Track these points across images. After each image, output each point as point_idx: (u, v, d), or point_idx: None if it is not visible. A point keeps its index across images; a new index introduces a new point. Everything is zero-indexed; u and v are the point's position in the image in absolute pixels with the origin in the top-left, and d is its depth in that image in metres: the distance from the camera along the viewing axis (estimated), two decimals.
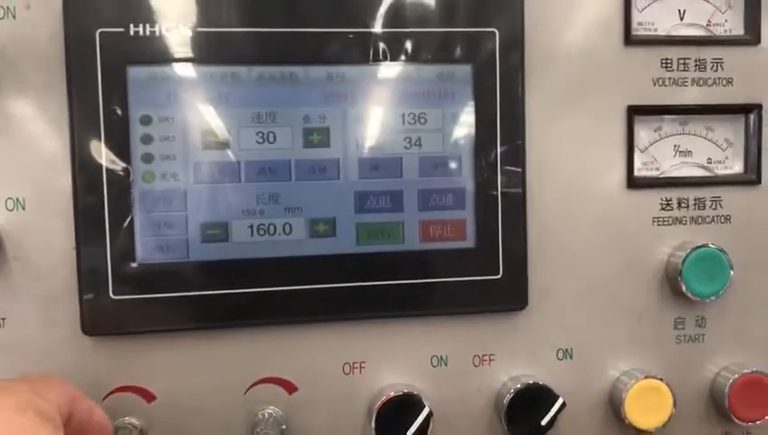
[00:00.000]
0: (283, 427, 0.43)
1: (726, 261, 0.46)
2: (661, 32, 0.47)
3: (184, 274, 0.42)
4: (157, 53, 0.41)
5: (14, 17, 0.41)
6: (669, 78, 0.47)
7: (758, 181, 0.48)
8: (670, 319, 0.48)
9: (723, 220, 0.48)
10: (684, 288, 0.46)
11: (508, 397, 0.45)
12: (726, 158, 0.48)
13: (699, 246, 0.46)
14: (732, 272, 0.46)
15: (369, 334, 0.45)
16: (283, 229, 0.43)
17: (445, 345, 0.46)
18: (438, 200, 0.45)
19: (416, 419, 0.43)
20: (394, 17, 0.43)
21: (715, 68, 0.47)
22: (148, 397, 0.43)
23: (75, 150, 0.41)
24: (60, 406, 0.33)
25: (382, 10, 0.43)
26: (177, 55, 0.42)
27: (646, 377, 0.46)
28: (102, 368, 0.43)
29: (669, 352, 0.48)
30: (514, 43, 0.44)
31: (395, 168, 0.44)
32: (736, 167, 0.48)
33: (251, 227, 0.43)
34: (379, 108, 0.44)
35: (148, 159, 0.41)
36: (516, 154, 0.45)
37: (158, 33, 0.41)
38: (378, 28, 0.43)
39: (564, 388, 0.45)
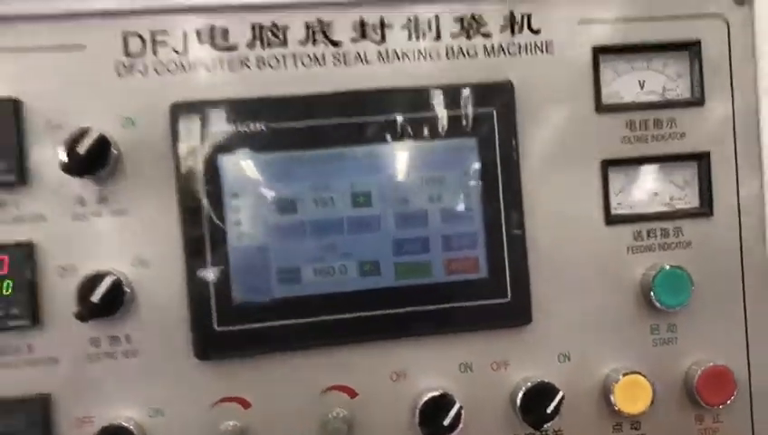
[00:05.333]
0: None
1: (688, 278, 0.58)
2: (626, 99, 0.60)
3: (269, 308, 0.56)
4: (240, 144, 0.55)
5: (133, 125, 0.56)
6: (633, 136, 0.60)
7: (711, 214, 0.60)
8: (647, 326, 0.60)
9: (684, 246, 0.60)
10: (655, 301, 0.59)
11: (521, 393, 0.57)
12: (685, 195, 0.61)
13: (665, 267, 0.59)
14: (693, 286, 0.58)
15: (409, 349, 0.58)
16: (340, 270, 0.57)
17: (469, 355, 0.59)
18: (457, 242, 0.58)
19: (449, 412, 0.55)
20: (414, 106, 0.57)
21: (670, 126, 0.60)
22: (246, 404, 0.57)
23: (184, 220, 0.55)
24: None
25: (405, 101, 0.57)
26: (254, 145, 0.56)
27: (630, 373, 0.58)
28: (211, 383, 0.56)
29: (648, 352, 0.60)
30: (508, 118, 0.58)
31: (422, 219, 0.57)
32: (693, 202, 0.61)
33: (315, 269, 0.56)
34: (407, 174, 0.57)
35: (238, 223, 0.55)
36: (515, 203, 0.58)
37: (240, 130, 0.56)
38: (402, 114, 0.57)
39: (565, 384, 0.57)
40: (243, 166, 0.56)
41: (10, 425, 0.55)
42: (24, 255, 0.54)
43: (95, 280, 0.53)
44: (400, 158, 0.57)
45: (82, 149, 0.52)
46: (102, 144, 0.53)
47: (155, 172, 0.56)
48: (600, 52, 0.59)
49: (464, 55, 0.58)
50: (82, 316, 0.53)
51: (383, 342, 0.58)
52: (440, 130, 0.57)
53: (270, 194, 0.56)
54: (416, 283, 0.57)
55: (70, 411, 0.55)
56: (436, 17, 0.57)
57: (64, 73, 0.55)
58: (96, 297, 0.52)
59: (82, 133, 0.53)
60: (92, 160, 0.53)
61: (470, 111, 0.57)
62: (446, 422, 0.55)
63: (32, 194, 0.55)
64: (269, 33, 0.56)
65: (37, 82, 0.55)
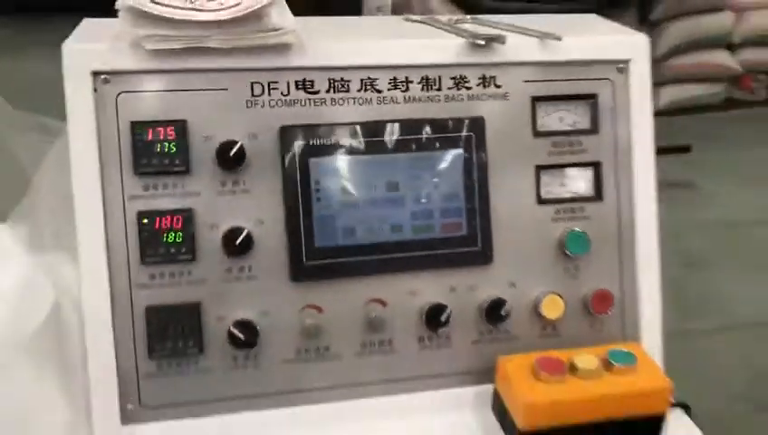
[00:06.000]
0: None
1: (587, 238, 0.97)
2: (552, 129, 0.98)
3: (336, 251, 0.91)
4: (321, 151, 0.91)
5: (256, 138, 0.91)
6: (557, 151, 0.98)
7: (601, 199, 0.98)
8: (562, 266, 0.97)
9: (585, 218, 0.98)
10: (567, 251, 0.97)
11: (486, 305, 0.95)
12: (586, 187, 0.99)
13: (574, 230, 0.97)
14: (590, 243, 0.97)
15: (419, 278, 0.94)
16: (379, 229, 0.93)
17: (454, 282, 0.94)
18: (450, 216, 0.95)
19: (444, 314, 0.93)
20: (426, 130, 0.93)
21: (578, 145, 0.98)
22: (320, 310, 0.92)
23: (286, 197, 0.91)
24: None
25: (420, 127, 0.93)
26: (329, 152, 0.91)
27: (551, 293, 0.96)
28: (299, 296, 0.91)
29: (563, 282, 0.97)
30: (481, 139, 0.95)
31: (429, 199, 0.94)
32: (591, 192, 0.98)
33: (365, 228, 0.93)
34: (421, 171, 0.94)
35: (319, 199, 0.91)
36: (484, 190, 0.95)
37: (321, 143, 0.91)
38: (418, 135, 0.93)
39: (511, 300, 0.94)
40: (323, 165, 0.91)
41: (176, 321, 0.90)
42: (188, 217, 0.89)
43: (234, 232, 0.88)
44: (417, 162, 0.94)
45: (230, 153, 0.88)
46: (241, 150, 0.88)
47: (269, 167, 0.91)
48: (536, 99, 0.97)
49: (454, 100, 0.95)
50: (229, 254, 0.88)
51: (404, 273, 0.94)
52: (442, 145, 0.94)
53: (338, 182, 0.92)
54: (424, 237, 0.94)
55: (212, 313, 0.90)
56: (439, 77, 0.94)
57: (214, 105, 0.89)
58: (238, 242, 0.88)
59: (231, 144, 0.88)
60: (235, 160, 0.88)
61: (459, 134, 0.94)
62: (442, 319, 0.93)
63: (193, 178, 0.89)
64: (338, 84, 0.92)
65: (197, 110, 0.89)
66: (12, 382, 0.79)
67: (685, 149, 4.13)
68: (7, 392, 0.78)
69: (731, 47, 4.92)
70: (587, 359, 0.91)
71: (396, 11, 4.54)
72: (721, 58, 4.86)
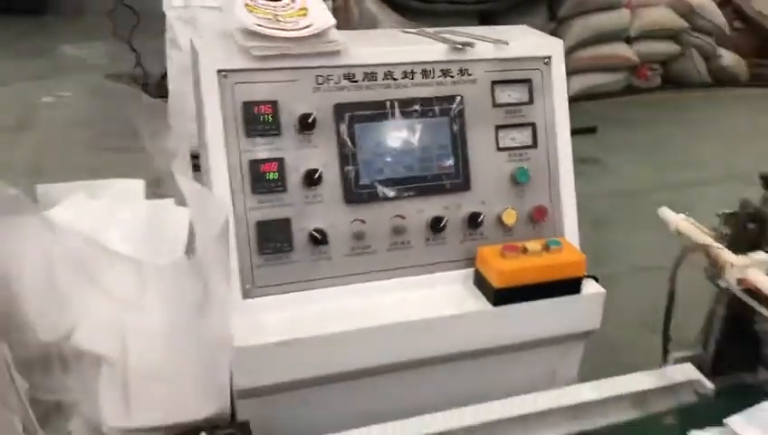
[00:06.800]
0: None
1: (529, 172, 1.51)
2: (504, 101, 1.52)
3: (373, 184, 1.42)
4: (362, 119, 1.42)
5: (319, 111, 1.41)
6: (508, 116, 1.51)
7: (536, 147, 1.52)
8: (515, 190, 1.51)
9: (527, 159, 1.53)
10: (517, 181, 1.51)
11: (467, 216, 1.48)
12: (527, 139, 1.53)
13: (520, 167, 1.51)
14: (531, 175, 1.51)
15: (425, 202, 1.46)
16: (399, 170, 1.44)
17: (447, 202, 1.47)
18: (443, 159, 1.47)
19: (441, 222, 1.45)
20: (425, 104, 1.46)
21: (521, 112, 1.52)
22: (363, 222, 1.42)
23: (340, 149, 1.41)
24: None
25: (421, 102, 1.45)
26: (367, 119, 1.42)
27: (508, 208, 1.50)
28: (350, 213, 1.41)
29: (515, 200, 1.51)
30: (460, 110, 1.48)
31: (429, 150, 1.46)
32: (529, 142, 1.53)
33: (390, 169, 1.44)
34: (423, 132, 1.46)
35: (361, 150, 1.42)
36: (463, 143, 1.48)
37: (362, 113, 1.42)
38: (421, 107, 1.45)
39: (484, 213, 1.48)
40: (362, 128, 1.42)
41: (275, 230, 1.39)
42: (281, 163, 1.38)
43: (311, 172, 1.38)
44: (421, 126, 1.46)
45: (307, 121, 1.37)
46: (313, 119, 1.38)
47: (329, 130, 1.41)
48: (494, 83, 1.50)
49: (443, 84, 1.47)
50: (307, 186, 1.38)
51: (415, 197, 1.45)
52: (436, 114, 1.47)
53: (372, 139, 1.43)
54: (427, 174, 1.46)
55: (297, 225, 1.39)
56: (433, 69, 1.47)
57: (294, 91, 1.39)
58: (314, 178, 1.38)
59: (307, 115, 1.38)
60: (309, 126, 1.38)
61: (447, 106, 1.47)
62: (441, 226, 1.45)
63: (282, 138, 1.38)
64: (370, 76, 1.43)
65: (284, 94, 1.38)
66: (191, 277, 1.25)
67: (591, 130, 4.80)
68: (191, 283, 1.24)
69: (628, 40, 5.63)
70: (533, 245, 1.45)
71: (335, 11, 5.07)
72: (620, 50, 5.56)
